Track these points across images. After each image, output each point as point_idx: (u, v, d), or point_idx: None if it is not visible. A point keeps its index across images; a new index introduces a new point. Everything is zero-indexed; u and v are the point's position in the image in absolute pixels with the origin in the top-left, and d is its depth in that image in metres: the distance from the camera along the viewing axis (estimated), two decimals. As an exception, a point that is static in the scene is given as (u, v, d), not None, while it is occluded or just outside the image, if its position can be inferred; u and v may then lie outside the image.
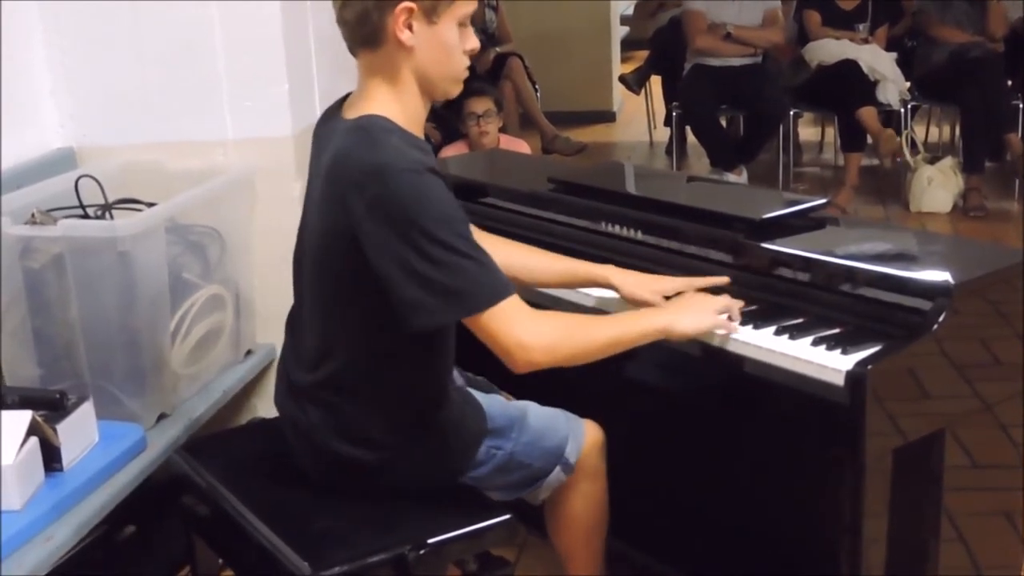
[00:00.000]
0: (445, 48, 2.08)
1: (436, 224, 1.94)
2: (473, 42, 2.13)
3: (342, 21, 2.07)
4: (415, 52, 2.05)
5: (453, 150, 4.98)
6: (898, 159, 6.42)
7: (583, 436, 2.37)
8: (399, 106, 2.09)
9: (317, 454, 2.21)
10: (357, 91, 2.15)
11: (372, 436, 2.16)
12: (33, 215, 2.46)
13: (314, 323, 2.17)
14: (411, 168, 1.96)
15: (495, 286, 1.99)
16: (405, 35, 2.02)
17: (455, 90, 2.18)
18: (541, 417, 2.35)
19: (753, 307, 2.33)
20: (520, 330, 1.99)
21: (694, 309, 2.24)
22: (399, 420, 2.18)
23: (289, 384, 2.26)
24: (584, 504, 2.42)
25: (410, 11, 2.01)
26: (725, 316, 2.26)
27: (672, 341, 2.23)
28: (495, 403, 2.35)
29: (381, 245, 1.95)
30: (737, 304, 2.29)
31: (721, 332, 2.24)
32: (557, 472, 2.33)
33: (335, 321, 2.13)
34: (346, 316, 2.11)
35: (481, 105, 4.94)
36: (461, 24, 2.09)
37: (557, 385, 2.51)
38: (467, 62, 2.14)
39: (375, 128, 2.03)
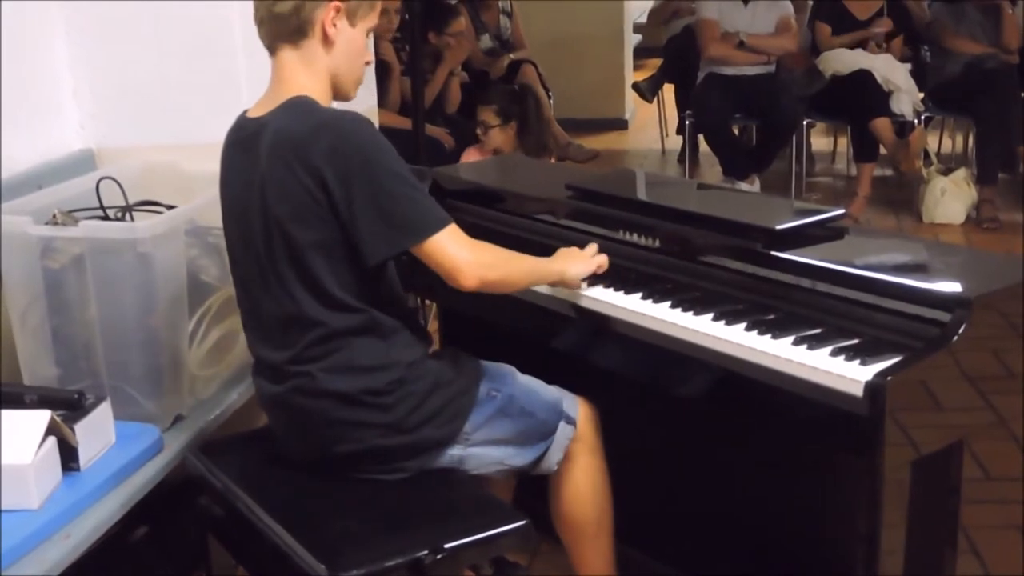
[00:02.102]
0: (356, 50, 2.36)
1: (390, 161, 2.21)
2: (370, 56, 2.43)
3: (272, 17, 2.28)
4: (334, 48, 2.30)
5: (476, 154, 5.00)
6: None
7: (577, 403, 2.48)
8: (317, 94, 2.30)
9: (323, 418, 2.28)
10: (272, 89, 2.34)
11: (378, 363, 2.26)
12: (55, 216, 2.47)
13: (291, 299, 2.25)
14: (354, 117, 2.24)
15: (441, 214, 2.24)
16: (331, 30, 2.27)
17: (354, 93, 2.43)
18: (530, 377, 2.49)
19: (771, 317, 2.33)
20: (467, 250, 2.26)
21: (577, 259, 2.55)
22: (400, 347, 2.30)
23: (275, 374, 2.33)
24: (587, 480, 2.48)
25: (337, 9, 2.28)
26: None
27: (685, 350, 2.35)
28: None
29: (344, 186, 2.16)
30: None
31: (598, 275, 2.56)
32: (563, 427, 2.42)
33: (320, 281, 2.23)
34: (330, 269, 2.23)
35: (482, 113, 4.98)
36: (368, 35, 2.38)
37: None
38: (363, 71, 2.42)
39: (306, 103, 2.27)
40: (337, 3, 2.27)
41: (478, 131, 4.97)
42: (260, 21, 2.31)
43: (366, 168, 2.17)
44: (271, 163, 2.21)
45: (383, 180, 2.17)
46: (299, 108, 2.25)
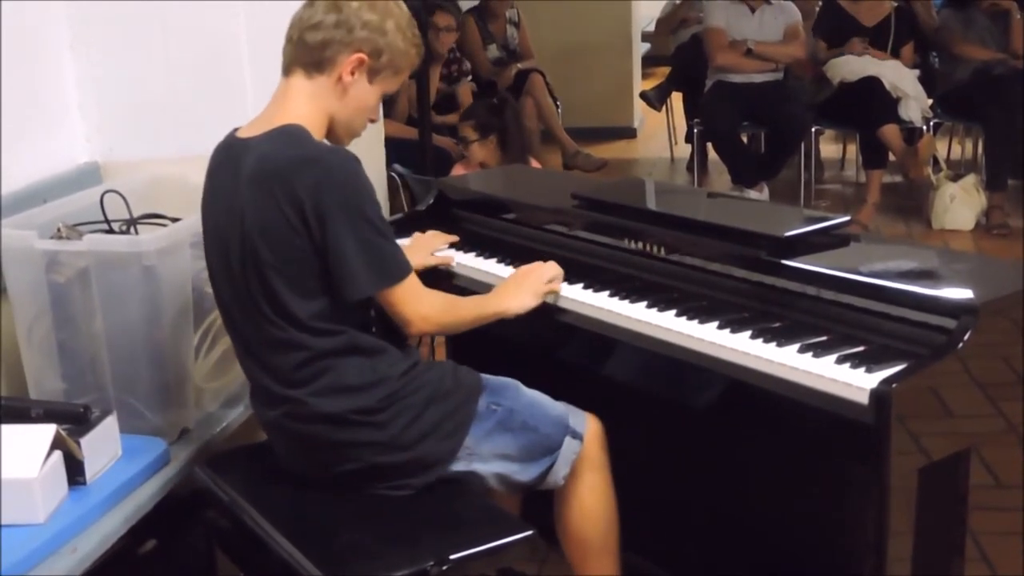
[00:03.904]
0: (365, 106, 2.37)
1: (369, 206, 2.22)
2: (377, 115, 2.46)
3: (300, 41, 2.30)
4: (345, 96, 2.31)
5: (461, 168, 4.99)
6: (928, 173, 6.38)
7: (584, 419, 2.45)
8: (312, 126, 2.30)
9: (320, 441, 2.28)
10: (269, 110, 2.35)
11: (367, 381, 2.26)
12: (59, 229, 2.47)
13: (269, 323, 2.25)
14: (344, 156, 2.23)
15: (405, 264, 2.29)
16: (348, 78, 2.29)
17: (346, 143, 2.42)
18: (535, 391, 2.47)
19: (776, 324, 2.32)
20: (420, 304, 2.32)
21: (521, 291, 2.54)
22: (386, 364, 2.30)
23: (268, 397, 2.33)
24: (593, 496, 2.45)
25: (361, 61, 2.29)
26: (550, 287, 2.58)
27: (690, 358, 2.34)
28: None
29: (319, 221, 2.17)
30: (560, 272, 2.61)
31: (550, 299, 2.59)
32: (569, 442, 2.40)
33: (288, 308, 2.23)
34: (299, 298, 2.23)
35: (461, 130, 4.98)
36: (380, 97, 2.40)
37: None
38: (364, 127, 2.45)
39: (297, 132, 2.26)
40: (362, 56, 2.28)
41: (459, 147, 4.97)
42: (288, 39, 2.32)
43: (343, 209, 2.17)
44: (252, 189, 2.21)
45: (357, 223, 2.18)
46: (289, 137, 2.24)
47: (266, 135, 2.26)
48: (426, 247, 2.93)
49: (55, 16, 2.91)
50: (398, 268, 2.26)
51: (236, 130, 2.37)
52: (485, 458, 2.35)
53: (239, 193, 2.23)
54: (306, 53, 2.29)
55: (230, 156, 2.31)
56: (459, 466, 2.33)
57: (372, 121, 2.44)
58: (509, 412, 2.38)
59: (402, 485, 2.30)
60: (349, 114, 2.35)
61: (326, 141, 2.34)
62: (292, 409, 2.28)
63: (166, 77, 2.97)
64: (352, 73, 2.29)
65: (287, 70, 2.33)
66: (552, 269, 2.59)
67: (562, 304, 2.60)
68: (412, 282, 2.30)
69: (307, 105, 2.30)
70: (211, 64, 2.97)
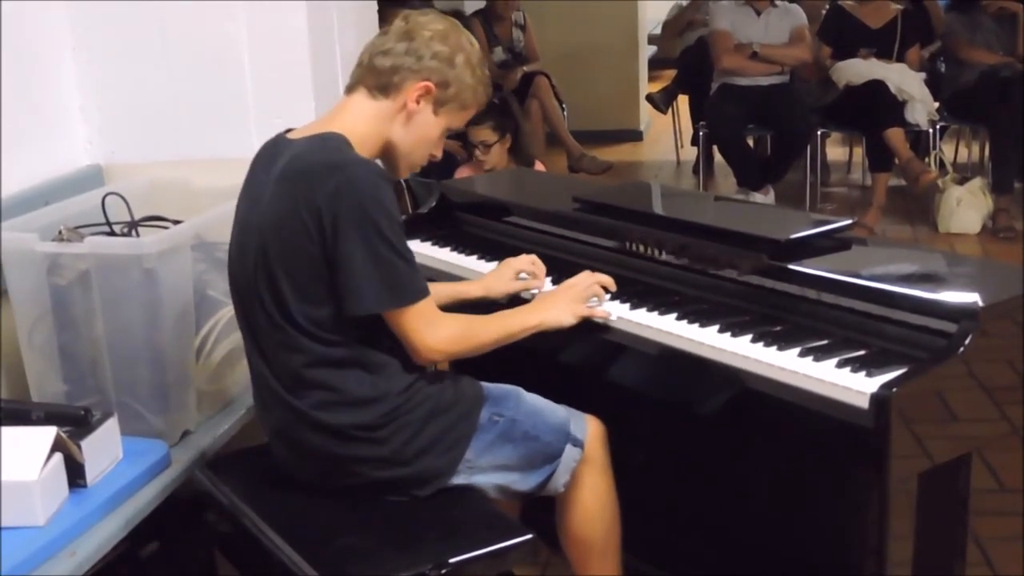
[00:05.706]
0: (426, 137, 2.35)
1: (387, 223, 2.16)
2: (439, 151, 2.43)
3: (369, 64, 2.31)
4: (409, 123, 2.31)
5: (468, 171, 4.98)
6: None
7: (585, 423, 2.43)
8: (362, 145, 2.28)
9: (321, 453, 2.26)
10: (322, 119, 2.37)
11: (368, 396, 2.24)
12: (60, 232, 2.48)
13: (274, 326, 2.24)
14: (370, 169, 2.20)
15: (420, 287, 2.22)
16: (413, 105, 2.29)
17: (402, 174, 2.44)
18: (536, 397, 2.44)
19: (777, 328, 2.32)
20: (429, 333, 2.24)
21: (560, 304, 2.48)
22: (388, 378, 2.26)
23: (271, 398, 2.32)
24: (595, 499, 2.44)
25: (428, 90, 2.29)
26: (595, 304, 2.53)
27: (691, 362, 2.34)
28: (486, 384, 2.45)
29: (334, 230, 2.14)
30: (607, 282, 2.55)
31: (598, 320, 2.50)
32: (570, 450, 2.38)
33: (291, 314, 2.21)
34: (303, 303, 2.20)
35: (478, 134, 4.94)
36: (444, 131, 2.37)
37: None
38: (425, 161, 2.42)
39: (335, 140, 2.25)
40: (429, 84, 2.28)
41: (477, 152, 4.93)
42: (359, 63, 2.34)
43: (360, 222, 2.13)
44: (277, 187, 2.21)
45: (370, 237, 2.13)
46: (324, 143, 2.24)
47: (307, 138, 2.26)
48: (511, 270, 2.74)
49: (57, 19, 2.92)
50: (410, 290, 2.20)
51: (288, 130, 2.36)
52: (485, 470, 2.33)
53: (267, 189, 2.24)
54: (373, 76, 2.30)
55: (271, 153, 2.31)
56: (459, 479, 2.31)
57: (433, 157, 2.43)
58: (511, 423, 2.35)
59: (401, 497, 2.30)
60: (411, 143, 2.34)
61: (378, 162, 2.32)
62: (293, 419, 2.27)
63: (168, 80, 2.98)
64: (417, 101, 2.29)
65: (350, 89, 2.34)
66: (590, 288, 2.52)
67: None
68: (424, 308, 2.22)
69: (363, 123, 2.30)
70: (212, 67, 2.98)
